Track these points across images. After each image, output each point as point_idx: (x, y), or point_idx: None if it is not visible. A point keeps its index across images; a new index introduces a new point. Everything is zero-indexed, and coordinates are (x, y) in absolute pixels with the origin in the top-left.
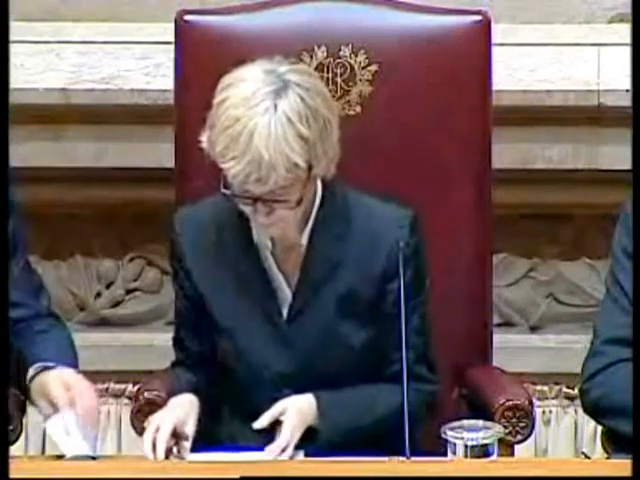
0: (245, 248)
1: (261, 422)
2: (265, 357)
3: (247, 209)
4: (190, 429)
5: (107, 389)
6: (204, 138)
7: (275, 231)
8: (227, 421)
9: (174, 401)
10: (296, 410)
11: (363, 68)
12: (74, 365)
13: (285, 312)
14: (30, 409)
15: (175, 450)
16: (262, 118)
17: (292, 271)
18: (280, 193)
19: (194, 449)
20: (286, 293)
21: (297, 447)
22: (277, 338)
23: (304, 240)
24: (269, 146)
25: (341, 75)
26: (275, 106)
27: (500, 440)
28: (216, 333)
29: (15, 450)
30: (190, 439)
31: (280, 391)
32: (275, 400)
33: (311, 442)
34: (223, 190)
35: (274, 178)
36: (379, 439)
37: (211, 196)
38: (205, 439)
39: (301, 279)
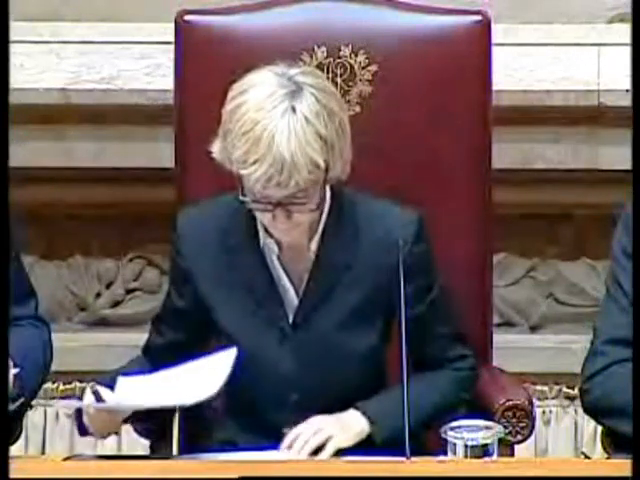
0: (251, 251)
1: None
2: (270, 361)
3: (265, 216)
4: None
5: None
6: (215, 148)
7: (292, 237)
8: (224, 424)
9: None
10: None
11: (363, 68)
12: (38, 366)
13: (291, 317)
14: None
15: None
16: (281, 120)
17: (299, 276)
18: (300, 196)
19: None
20: (292, 298)
21: (352, 452)
22: (282, 342)
23: (314, 246)
24: (291, 147)
25: (341, 75)
26: (293, 108)
27: (500, 440)
28: (218, 335)
29: (15, 450)
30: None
31: (285, 395)
32: (280, 403)
33: (366, 446)
34: (242, 198)
35: (295, 180)
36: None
37: (214, 197)
38: (196, 442)
39: (310, 285)
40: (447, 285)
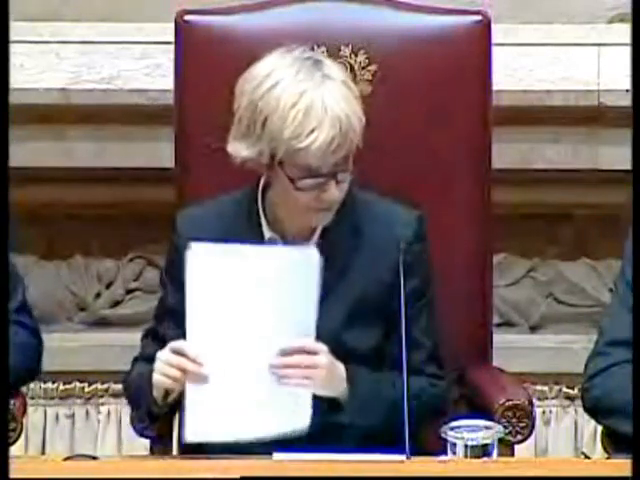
0: None
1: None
2: None
3: (309, 196)
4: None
5: (107, 389)
6: (240, 148)
7: (330, 216)
8: None
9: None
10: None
11: (363, 68)
12: (28, 372)
13: None
14: (30, 409)
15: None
16: (324, 86)
17: None
18: (341, 163)
19: None
20: None
21: (322, 445)
22: None
23: (313, 243)
24: (343, 109)
25: None
26: (326, 75)
27: (500, 440)
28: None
29: (15, 450)
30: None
31: None
32: None
33: (336, 433)
34: (300, 184)
35: (350, 140)
36: (394, 433)
37: (214, 197)
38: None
39: None
40: (447, 285)
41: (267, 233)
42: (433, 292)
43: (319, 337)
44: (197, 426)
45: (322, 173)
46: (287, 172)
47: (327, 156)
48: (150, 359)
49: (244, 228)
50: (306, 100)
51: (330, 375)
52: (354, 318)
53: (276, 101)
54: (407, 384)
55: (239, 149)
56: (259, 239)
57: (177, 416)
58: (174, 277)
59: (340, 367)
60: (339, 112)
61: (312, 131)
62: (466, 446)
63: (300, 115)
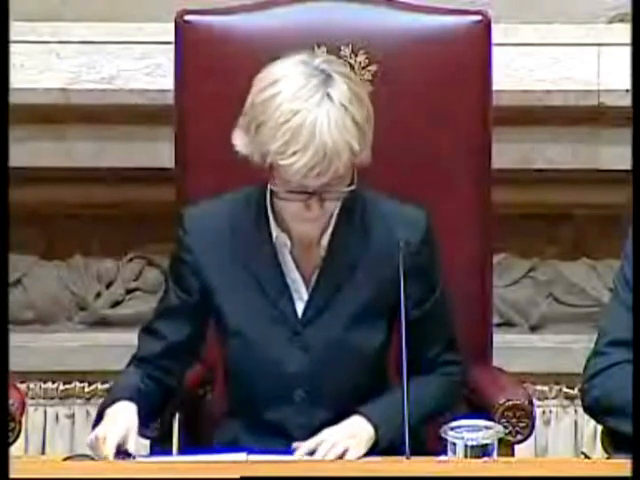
0: (262, 247)
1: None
2: (277, 356)
3: (294, 207)
4: (132, 446)
5: (107, 389)
6: (239, 142)
7: (317, 227)
8: (226, 424)
9: (116, 414)
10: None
11: (363, 68)
12: None
13: (300, 312)
14: (30, 409)
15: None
16: (320, 108)
17: (310, 271)
18: (334, 184)
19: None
20: (302, 293)
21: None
22: (290, 338)
23: (325, 242)
24: (333, 135)
25: None
26: (328, 95)
27: (500, 440)
28: (225, 331)
29: (15, 450)
30: (132, 454)
31: (290, 392)
32: (285, 400)
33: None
34: (274, 188)
35: (335, 167)
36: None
37: (222, 194)
38: (197, 442)
39: (319, 280)
40: (447, 285)
41: (275, 232)
42: (444, 282)
43: (326, 337)
44: None
45: (303, 191)
46: (272, 180)
47: (309, 179)
48: (141, 360)
49: (252, 226)
50: (298, 120)
51: (351, 433)
52: (361, 317)
53: (272, 111)
54: (407, 387)
55: (239, 141)
56: (267, 238)
57: (177, 416)
58: (177, 275)
59: (353, 423)
60: (327, 139)
61: (295, 153)
62: (466, 446)
63: (288, 134)
